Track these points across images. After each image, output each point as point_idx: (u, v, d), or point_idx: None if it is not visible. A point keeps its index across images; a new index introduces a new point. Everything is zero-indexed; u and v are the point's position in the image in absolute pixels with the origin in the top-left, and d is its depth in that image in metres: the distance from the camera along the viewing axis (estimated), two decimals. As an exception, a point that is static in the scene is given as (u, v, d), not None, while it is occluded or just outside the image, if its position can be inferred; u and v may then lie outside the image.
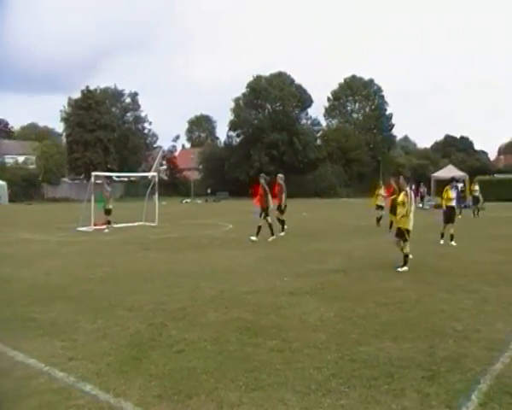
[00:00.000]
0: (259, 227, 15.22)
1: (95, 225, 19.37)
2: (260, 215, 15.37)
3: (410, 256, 10.26)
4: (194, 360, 4.91)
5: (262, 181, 15.89)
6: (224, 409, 3.84)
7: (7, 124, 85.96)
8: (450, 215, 14.12)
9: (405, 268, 9.99)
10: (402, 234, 10.25)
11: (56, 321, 6.33)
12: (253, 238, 15.07)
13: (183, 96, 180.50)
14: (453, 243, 13.70)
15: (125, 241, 15.78)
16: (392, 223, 16.94)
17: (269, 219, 15.40)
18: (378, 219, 20.19)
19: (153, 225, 21.28)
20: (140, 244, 14.76)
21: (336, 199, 60.32)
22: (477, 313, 6.56)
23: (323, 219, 25.66)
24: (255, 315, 6.60)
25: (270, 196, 15.55)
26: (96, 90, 70.94)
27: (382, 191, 20.50)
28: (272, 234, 15.31)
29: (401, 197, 10.36)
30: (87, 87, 67.91)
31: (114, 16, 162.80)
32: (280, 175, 17.24)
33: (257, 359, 4.92)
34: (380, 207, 20.41)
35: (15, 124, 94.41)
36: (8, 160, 66.35)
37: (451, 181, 15.05)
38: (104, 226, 19.13)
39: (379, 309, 6.86)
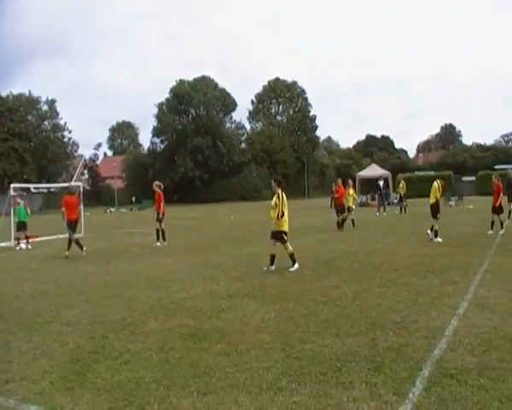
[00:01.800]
0: (159, 231, 16.20)
1: (25, 237, 18.09)
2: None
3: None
4: (141, 369, 4.85)
5: (158, 189, 16.41)
6: (178, 416, 3.84)
7: None
8: None
9: (296, 266, 10.39)
10: (278, 236, 10.54)
11: (-15, 343, 6.00)
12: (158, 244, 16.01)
13: (104, 102, 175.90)
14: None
15: (50, 254, 15.19)
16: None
17: (162, 225, 16.25)
18: (343, 221, 18.62)
19: (79, 235, 20.55)
20: (67, 257, 14.23)
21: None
22: (412, 305, 6.93)
23: (252, 222, 25.92)
24: (197, 320, 6.60)
25: (163, 203, 16.36)
26: (8, 96, 67.47)
27: (352, 191, 20.05)
28: (158, 239, 16.17)
29: (273, 200, 10.48)
30: (-4, 93, 64.39)
31: (28, 17, 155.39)
32: (157, 183, 17.04)
33: (205, 364, 4.94)
34: (349, 209, 19.33)
35: None
36: None
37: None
38: (28, 240, 17.93)
39: (318, 307, 7.07)
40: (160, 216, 16.21)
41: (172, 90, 75.13)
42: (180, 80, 76.00)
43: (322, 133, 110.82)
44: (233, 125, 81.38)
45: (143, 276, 10.38)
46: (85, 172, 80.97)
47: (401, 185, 29.87)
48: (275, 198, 10.45)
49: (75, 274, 11.04)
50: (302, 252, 12.90)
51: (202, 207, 51.87)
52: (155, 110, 76.24)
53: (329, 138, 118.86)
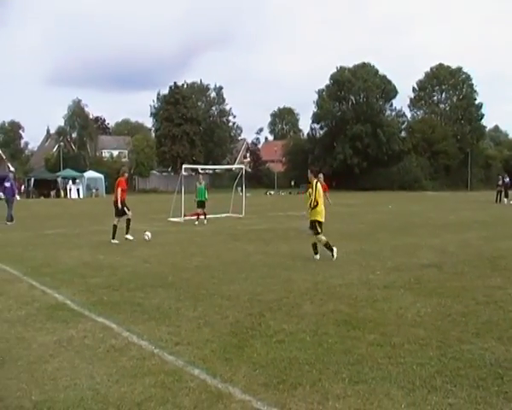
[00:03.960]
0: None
1: (185, 215, 20.03)
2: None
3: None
4: (294, 350, 4.98)
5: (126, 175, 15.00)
6: (329, 401, 3.86)
7: (104, 121, 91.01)
8: None
9: (335, 253, 10.39)
10: (312, 225, 10.36)
11: (160, 307, 6.66)
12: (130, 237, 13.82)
13: (266, 89, 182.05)
14: None
15: (214, 231, 16.25)
16: None
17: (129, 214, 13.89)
18: None
19: (240, 216, 21.71)
20: (230, 235, 15.12)
21: (422, 192, 58.27)
22: None
23: (411, 213, 24.90)
24: (351, 308, 6.57)
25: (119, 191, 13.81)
26: (183, 85, 73.41)
27: None
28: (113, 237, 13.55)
29: (308, 190, 10.48)
30: (175, 83, 70.55)
31: (199, 10, 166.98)
32: (124, 168, 16.37)
33: (357, 352, 4.90)
34: None
35: (111, 120, 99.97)
36: (105, 154, 70.57)
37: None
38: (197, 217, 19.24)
39: (479, 307, 6.58)
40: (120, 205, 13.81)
41: (333, 77, 74.82)
42: (340, 67, 75.34)
43: (488, 122, 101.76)
44: (393, 113, 78.39)
45: (300, 259, 10.59)
46: (247, 155, 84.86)
47: None
48: (310, 188, 10.48)
49: (236, 252, 11.68)
50: (462, 248, 12.13)
51: (360, 195, 51.17)
52: (315, 96, 76.76)
53: (497, 128, 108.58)
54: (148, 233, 13.83)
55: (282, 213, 25.70)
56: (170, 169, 70.41)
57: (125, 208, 13.80)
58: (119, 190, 13.72)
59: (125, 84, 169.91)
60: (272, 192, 59.11)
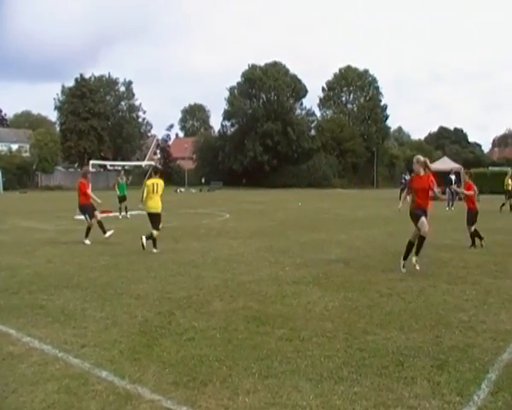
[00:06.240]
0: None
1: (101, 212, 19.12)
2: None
3: None
4: (204, 347, 4.98)
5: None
6: (239, 396, 3.90)
7: (0, 111, 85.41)
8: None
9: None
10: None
11: (65, 309, 6.38)
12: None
13: (178, 85, 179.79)
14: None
15: (124, 230, 15.81)
16: None
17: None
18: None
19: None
20: (139, 233, 14.74)
21: (331, 189, 60.47)
22: (480, 305, 6.64)
23: (320, 210, 25.76)
24: (261, 304, 6.67)
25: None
26: (90, 78, 70.64)
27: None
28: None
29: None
30: (81, 75, 67.74)
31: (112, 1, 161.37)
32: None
33: (267, 347, 4.99)
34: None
35: (9, 112, 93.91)
36: (2, 148, 65.99)
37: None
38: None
39: (383, 299, 6.94)
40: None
41: (244, 75, 75.61)
42: (252, 65, 76.30)
43: (392, 123, 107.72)
44: (303, 112, 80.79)
45: (210, 256, 10.60)
46: (158, 151, 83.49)
47: (510, 181, 26.27)
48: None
49: (145, 250, 11.44)
50: (368, 243, 12.76)
51: (270, 192, 52.10)
52: (227, 94, 77.16)
53: (400, 129, 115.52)
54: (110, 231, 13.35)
55: (193, 210, 25.56)
56: (76, 165, 67.54)
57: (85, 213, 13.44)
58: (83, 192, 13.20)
59: (26, 73, 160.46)
60: (183, 189, 58.55)
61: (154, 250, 11.20)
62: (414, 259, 8.89)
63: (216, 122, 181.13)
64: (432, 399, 3.84)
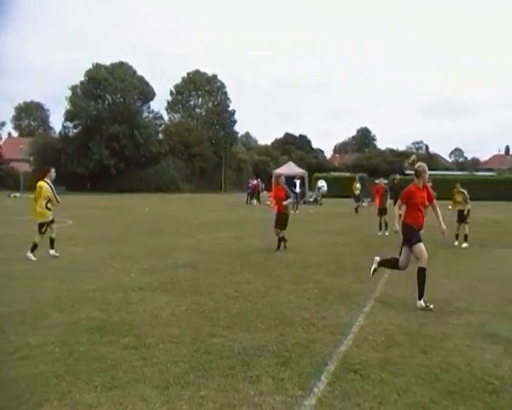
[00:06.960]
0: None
1: None
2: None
3: None
4: (41, 365, 4.57)
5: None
6: (80, 412, 3.65)
7: None
8: None
9: None
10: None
11: None
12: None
13: (8, 77, 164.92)
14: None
15: None
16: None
17: None
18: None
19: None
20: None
21: (179, 194, 60.37)
22: (321, 302, 7.10)
23: (167, 214, 25.53)
24: (105, 313, 6.36)
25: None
26: None
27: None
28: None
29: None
30: None
31: None
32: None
33: (111, 357, 4.76)
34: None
35: None
36: None
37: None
38: None
39: (229, 302, 7.07)
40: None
41: (88, 74, 71.98)
42: (97, 64, 72.92)
43: (240, 129, 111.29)
44: (151, 115, 79.41)
45: (49, 265, 9.88)
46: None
47: (357, 185, 28.42)
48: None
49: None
50: (215, 246, 12.93)
51: (117, 197, 50.29)
52: (68, 92, 72.74)
53: (248, 134, 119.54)
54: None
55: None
56: None
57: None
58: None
59: None
60: (18, 194, 53.90)
61: None
62: (421, 303, 6.91)
63: (57, 123, 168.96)
64: (276, 395, 3.98)
